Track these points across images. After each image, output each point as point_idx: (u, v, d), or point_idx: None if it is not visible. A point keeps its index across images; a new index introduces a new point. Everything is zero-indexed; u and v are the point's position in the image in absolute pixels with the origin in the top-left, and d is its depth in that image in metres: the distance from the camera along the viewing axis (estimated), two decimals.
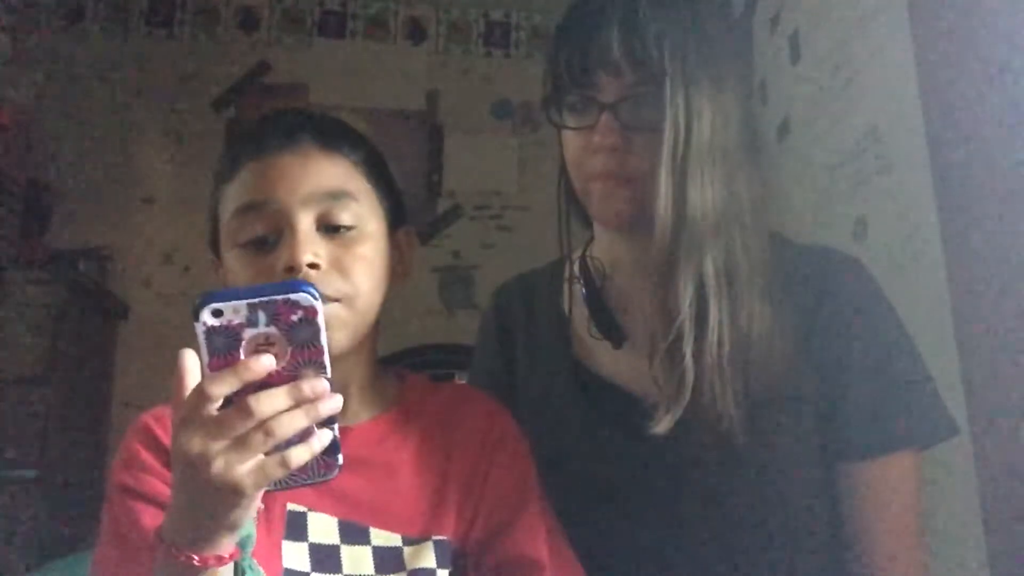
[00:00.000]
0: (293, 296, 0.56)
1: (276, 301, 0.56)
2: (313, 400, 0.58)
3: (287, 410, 0.57)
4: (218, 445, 0.56)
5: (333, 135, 0.82)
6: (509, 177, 3.24)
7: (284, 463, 0.57)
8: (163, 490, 0.73)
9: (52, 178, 2.97)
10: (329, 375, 0.58)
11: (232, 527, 0.59)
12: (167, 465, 0.70)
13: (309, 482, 0.60)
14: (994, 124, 1.34)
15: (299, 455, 0.58)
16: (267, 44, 3.25)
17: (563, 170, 0.94)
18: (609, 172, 0.86)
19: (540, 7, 3.36)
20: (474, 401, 0.90)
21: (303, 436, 0.58)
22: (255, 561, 0.68)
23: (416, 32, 3.35)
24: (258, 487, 0.57)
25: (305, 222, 0.76)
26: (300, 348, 0.57)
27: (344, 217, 0.78)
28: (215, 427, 0.56)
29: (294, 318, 0.56)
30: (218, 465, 0.55)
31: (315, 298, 0.57)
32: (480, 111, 3.29)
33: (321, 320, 0.57)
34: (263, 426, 0.56)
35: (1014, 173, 1.29)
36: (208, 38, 3.23)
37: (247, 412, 0.56)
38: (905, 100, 1.65)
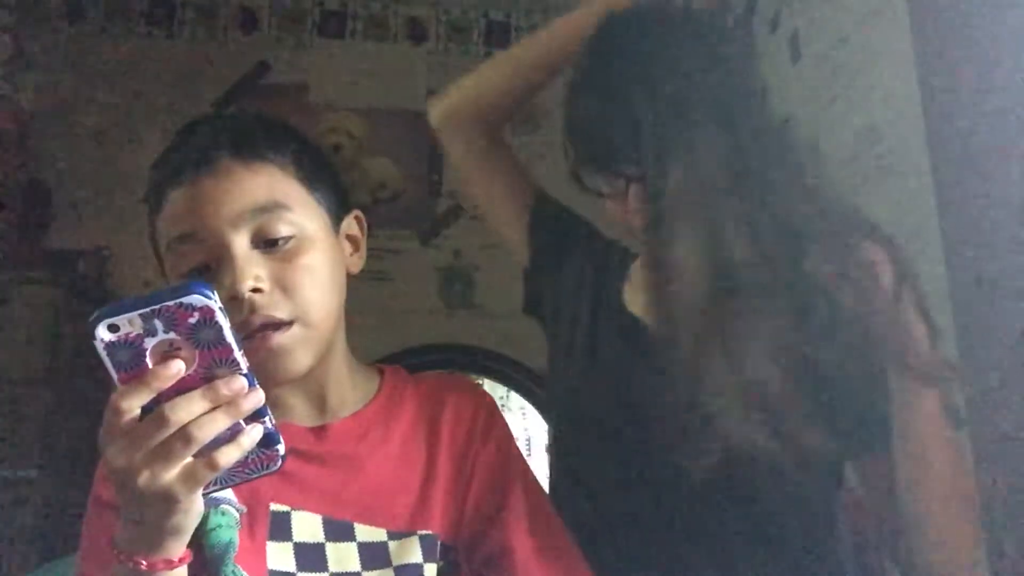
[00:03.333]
0: (185, 299, 0.55)
1: (170, 307, 0.55)
2: (232, 398, 0.57)
3: (206, 413, 0.56)
4: (139, 456, 0.55)
5: (252, 144, 0.77)
6: None
7: (212, 464, 0.57)
8: None
9: (52, 178, 2.97)
10: (245, 370, 0.58)
11: (175, 531, 0.59)
12: None
13: (254, 476, 0.61)
14: (994, 124, 1.34)
15: (228, 455, 0.57)
16: (267, 44, 3.25)
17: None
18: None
19: (540, 7, 3.35)
20: (457, 392, 0.88)
21: (232, 435, 0.57)
22: (239, 567, 0.67)
23: (416, 32, 3.35)
24: (191, 491, 0.57)
25: (239, 245, 0.72)
26: (207, 349, 0.56)
27: (280, 229, 0.74)
28: (134, 439, 0.55)
29: (191, 321, 0.55)
30: (144, 476, 0.55)
31: (208, 297, 0.55)
32: None
33: (221, 318, 0.56)
34: (183, 432, 0.56)
35: (1014, 173, 1.29)
36: (208, 38, 3.23)
37: (163, 420, 0.55)
38: (905, 100, 1.65)
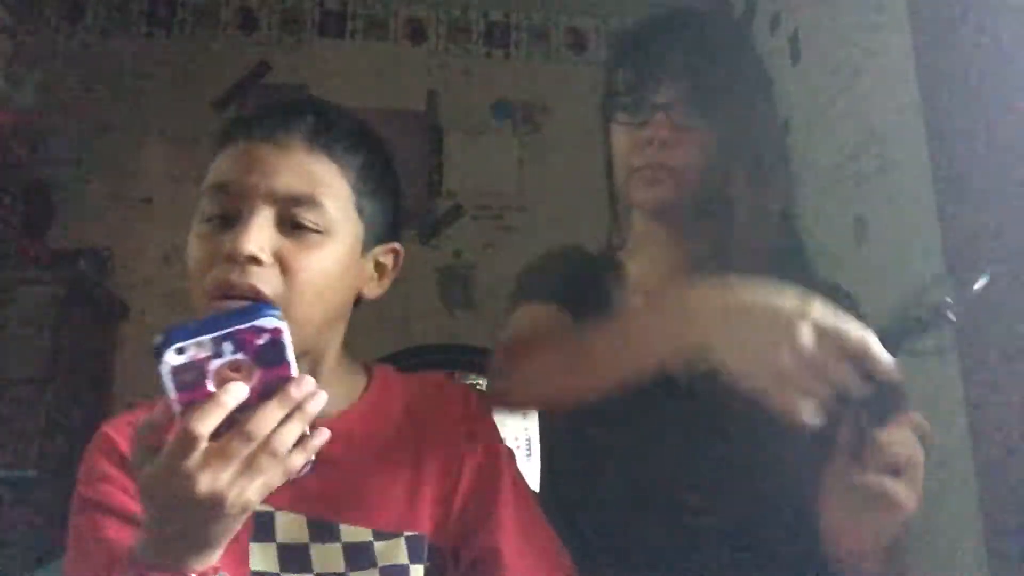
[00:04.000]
0: (258, 322, 0.56)
1: (242, 330, 0.55)
2: (303, 402, 0.58)
3: (281, 424, 0.57)
4: (227, 476, 0.56)
5: (330, 136, 0.78)
6: (509, 177, 3.24)
7: (286, 471, 0.58)
8: (126, 501, 0.73)
9: (52, 178, 2.97)
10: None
11: (224, 538, 0.60)
12: (130, 475, 0.69)
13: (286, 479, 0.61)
14: (994, 124, 1.34)
15: (297, 460, 0.59)
16: (267, 44, 3.25)
17: (609, 167, 1.06)
18: (656, 162, 0.96)
19: (540, 7, 3.36)
20: (446, 392, 0.88)
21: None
22: (223, 572, 0.67)
23: (416, 32, 3.35)
24: (261, 498, 0.58)
25: (263, 213, 0.73)
26: (267, 368, 0.57)
27: (309, 218, 0.75)
28: (220, 460, 0.56)
29: (259, 342, 0.56)
30: (233, 494, 0.56)
31: (279, 319, 0.56)
32: (480, 111, 3.29)
33: (286, 338, 0.57)
34: (268, 447, 0.57)
35: (1014, 172, 1.29)
36: (208, 38, 3.23)
37: (248, 436, 0.56)
38: (905, 100, 1.65)
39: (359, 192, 0.79)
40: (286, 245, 0.73)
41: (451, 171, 3.25)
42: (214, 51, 3.21)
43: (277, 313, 0.57)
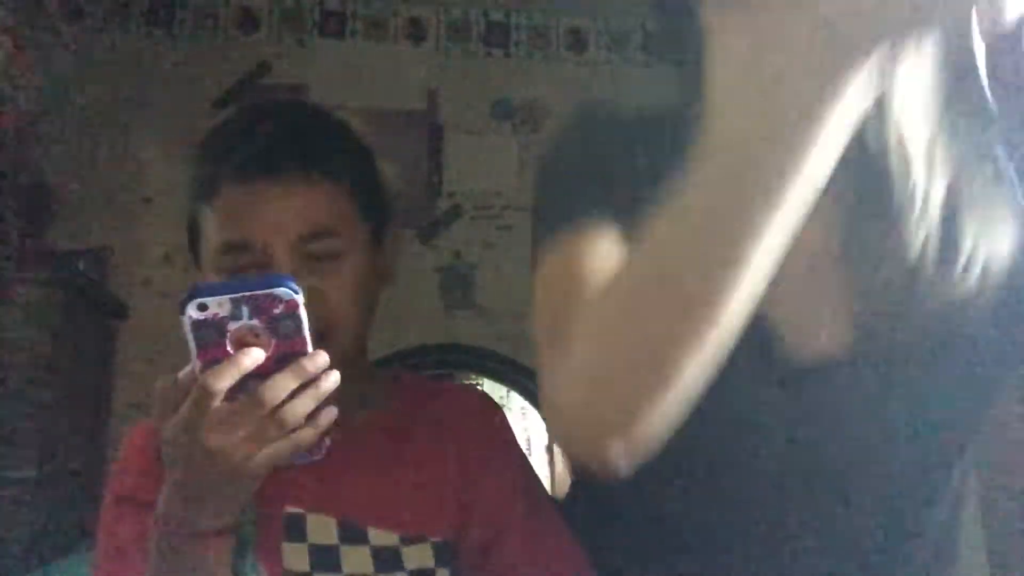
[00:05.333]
0: (275, 291, 0.58)
1: (259, 295, 0.58)
2: (317, 376, 0.59)
3: (292, 396, 0.59)
4: (235, 437, 0.58)
5: (319, 156, 0.77)
6: (509, 177, 3.24)
7: (295, 445, 0.59)
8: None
9: (52, 178, 2.97)
10: None
11: (239, 503, 0.63)
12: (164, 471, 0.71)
13: (301, 461, 0.62)
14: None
15: (307, 435, 0.60)
16: (267, 44, 3.25)
17: None
18: None
19: (540, 7, 3.36)
20: (469, 401, 0.89)
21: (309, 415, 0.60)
22: (258, 563, 0.68)
23: (416, 32, 3.35)
24: (270, 469, 0.60)
25: (288, 262, 0.74)
26: (283, 340, 0.59)
27: (326, 248, 0.76)
28: (229, 420, 0.58)
29: (275, 311, 0.58)
30: (239, 456, 0.58)
31: (295, 292, 0.58)
32: (480, 111, 3.29)
33: (303, 312, 0.59)
34: (277, 416, 0.58)
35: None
36: (208, 38, 3.23)
37: (260, 402, 0.58)
38: None
39: (359, 199, 0.79)
40: (312, 280, 0.73)
41: (451, 171, 3.25)
42: (214, 51, 3.21)
43: (295, 287, 0.58)
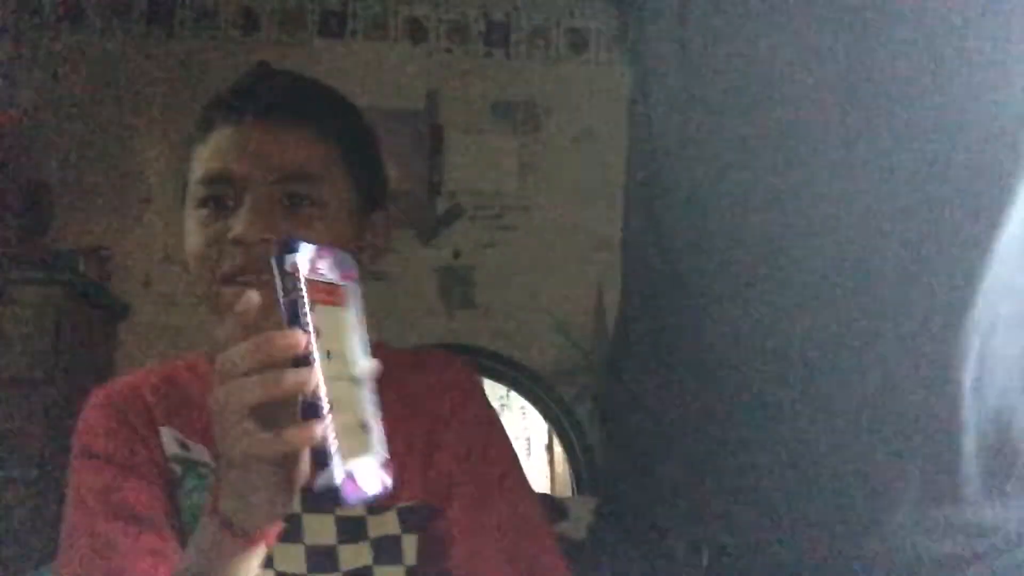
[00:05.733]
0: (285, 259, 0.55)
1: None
2: (278, 361, 0.55)
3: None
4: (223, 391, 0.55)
5: (312, 109, 0.80)
6: (509, 177, 3.24)
7: (250, 441, 0.55)
8: (126, 454, 0.76)
9: (52, 178, 2.97)
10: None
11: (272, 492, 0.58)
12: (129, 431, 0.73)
13: (349, 499, 0.58)
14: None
15: (258, 438, 0.55)
16: (267, 44, 3.25)
17: None
18: None
19: (540, 7, 3.35)
20: (438, 366, 0.89)
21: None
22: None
23: (416, 32, 3.35)
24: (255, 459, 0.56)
25: (262, 195, 0.74)
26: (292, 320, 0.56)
27: (306, 192, 0.76)
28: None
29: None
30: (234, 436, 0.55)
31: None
32: (480, 111, 3.29)
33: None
34: (229, 401, 0.55)
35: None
36: (208, 38, 3.23)
37: (223, 363, 0.56)
38: None
39: (348, 159, 0.81)
40: (288, 227, 0.75)
41: (451, 171, 3.25)
42: (214, 51, 3.21)
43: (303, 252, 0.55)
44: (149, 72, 3.14)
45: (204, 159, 0.79)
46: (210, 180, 0.77)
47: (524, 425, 4.11)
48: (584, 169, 3.06)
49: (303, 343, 0.53)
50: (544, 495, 2.64)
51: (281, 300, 0.54)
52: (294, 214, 0.76)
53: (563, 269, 3.10)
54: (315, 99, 0.82)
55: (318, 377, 0.53)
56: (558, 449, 3.30)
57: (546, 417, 3.14)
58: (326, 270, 0.56)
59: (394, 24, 3.35)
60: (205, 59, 3.19)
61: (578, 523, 1.76)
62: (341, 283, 0.57)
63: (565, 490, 3.22)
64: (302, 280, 0.53)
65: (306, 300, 0.53)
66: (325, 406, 0.54)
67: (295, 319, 0.53)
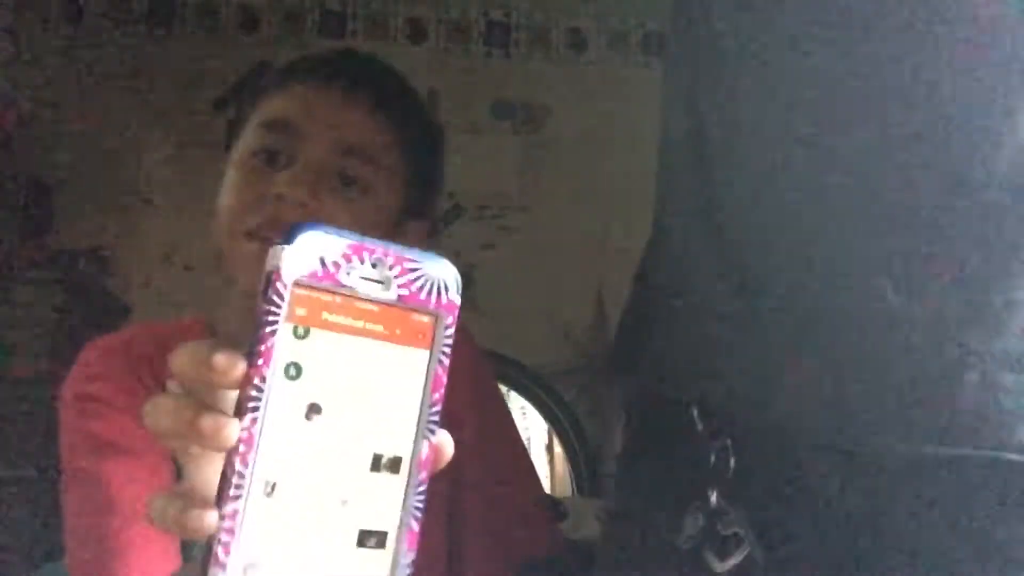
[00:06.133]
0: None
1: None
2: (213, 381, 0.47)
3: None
4: None
5: (389, 96, 0.79)
6: (509, 177, 3.24)
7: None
8: (119, 397, 0.75)
9: (52, 178, 2.97)
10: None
11: None
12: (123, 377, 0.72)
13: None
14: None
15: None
16: (267, 44, 3.25)
17: None
18: None
19: (540, 7, 3.35)
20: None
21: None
22: None
23: (416, 32, 3.35)
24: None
25: (317, 162, 0.73)
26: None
27: (360, 172, 0.75)
28: None
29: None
30: None
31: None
32: (480, 111, 3.29)
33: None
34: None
35: None
36: (208, 38, 3.23)
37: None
38: None
39: (409, 161, 0.81)
40: (331, 200, 0.74)
41: (451, 171, 3.23)
42: (214, 51, 3.21)
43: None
44: (149, 72, 3.14)
45: (271, 108, 0.77)
46: (271, 125, 0.75)
47: (524, 425, 4.11)
48: (584, 169, 3.06)
49: (231, 376, 0.35)
50: (544, 495, 2.64)
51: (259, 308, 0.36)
52: (341, 191, 0.75)
53: (563, 269, 3.10)
54: (395, 89, 0.81)
55: (251, 440, 0.34)
56: (558, 449, 3.30)
57: (546, 417, 3.14)
58: (370, 277, 0.37)
59: (394, 24, 3.34)
60: (205, 59, 3.19)
61: (578, 523, 1.76)
62: (410, 308, 0.39)
63: (565, 490, 3.21)
64: (283, 284, 0.35)
65: (278, 314, 0.35)
66: (244, 490, 0.34)
67: (252, 342, 0.35)
